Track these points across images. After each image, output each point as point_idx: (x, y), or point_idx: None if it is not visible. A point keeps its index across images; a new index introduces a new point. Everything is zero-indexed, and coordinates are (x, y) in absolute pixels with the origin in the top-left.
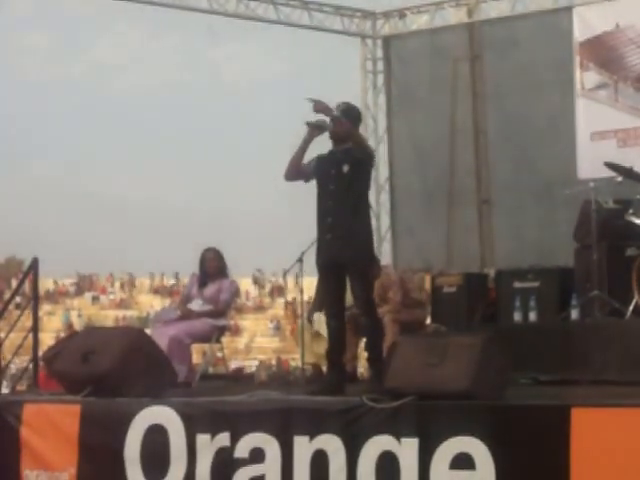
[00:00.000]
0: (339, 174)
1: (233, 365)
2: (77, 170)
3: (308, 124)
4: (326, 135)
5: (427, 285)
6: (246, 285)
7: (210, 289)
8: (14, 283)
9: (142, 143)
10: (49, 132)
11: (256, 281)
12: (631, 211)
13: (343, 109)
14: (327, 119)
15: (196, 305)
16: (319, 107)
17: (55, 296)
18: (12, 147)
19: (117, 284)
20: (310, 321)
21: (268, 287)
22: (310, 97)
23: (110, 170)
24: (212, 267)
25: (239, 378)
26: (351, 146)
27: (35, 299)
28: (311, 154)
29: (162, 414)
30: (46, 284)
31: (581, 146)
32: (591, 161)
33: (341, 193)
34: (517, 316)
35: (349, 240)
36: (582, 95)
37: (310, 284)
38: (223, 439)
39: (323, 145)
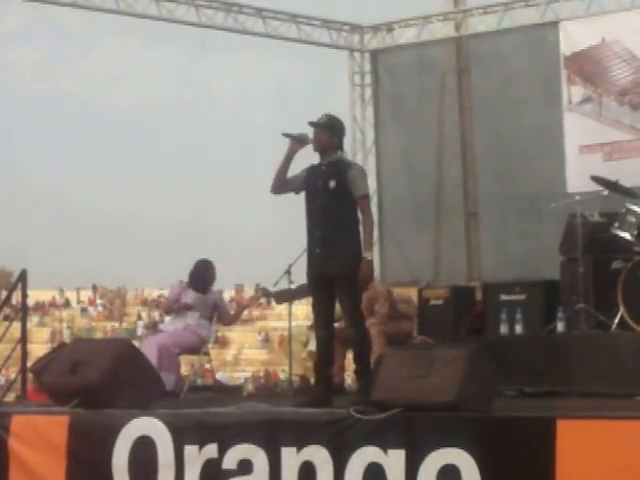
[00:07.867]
0: (325, 188)
1: (220, 377)
2: (66, 183)
3: (286, 136)
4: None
5: (414, 298)
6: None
7: (199, 299)
8: (3, 295)
9: (131, 157)
10: (38, 146)
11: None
12: (616, 224)
13: (324, 122)
14: (307, 133)
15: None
16: (298, 140)
17: (44, 308)
18: (2, 161)
19: (106, 296)
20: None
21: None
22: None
23: (99, 183)
24: (203, 278)
25: (227, 390)
26: (337, 158)
27: (24, 311)
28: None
29: (150, 426)
30: (35, 295)
31: (570, 160)
32: (580, 175)
33: (328, 207)
34: (504, 329)
35: (336, 254)
36: (570, 109)
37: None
38: (211, 450)
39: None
